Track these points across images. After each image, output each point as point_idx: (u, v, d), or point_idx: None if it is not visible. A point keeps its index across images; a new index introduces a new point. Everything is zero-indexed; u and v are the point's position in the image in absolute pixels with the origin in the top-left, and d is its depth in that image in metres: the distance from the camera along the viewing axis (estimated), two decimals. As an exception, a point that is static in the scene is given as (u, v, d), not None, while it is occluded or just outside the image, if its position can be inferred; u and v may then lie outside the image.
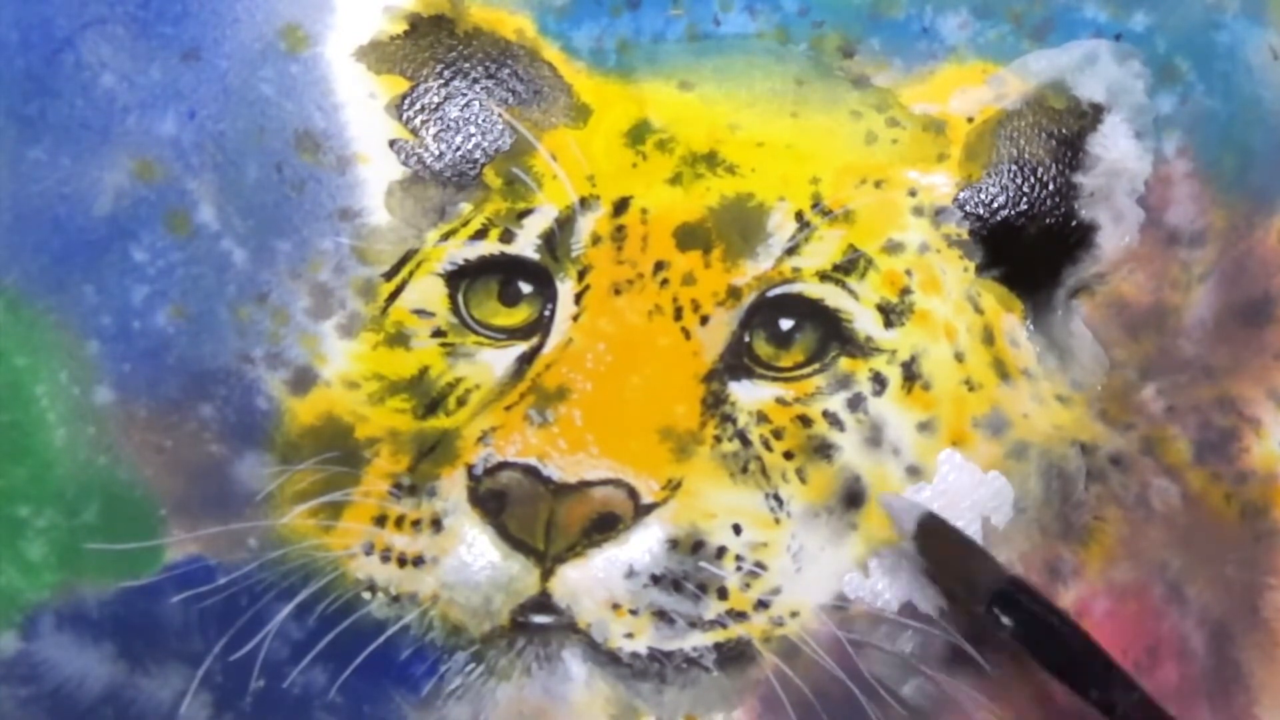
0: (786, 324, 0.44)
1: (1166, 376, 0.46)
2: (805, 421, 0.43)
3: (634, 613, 0.42)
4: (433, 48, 0.44)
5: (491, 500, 0.42)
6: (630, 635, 0.43)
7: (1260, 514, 0.46)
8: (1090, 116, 0.45)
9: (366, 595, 0.43)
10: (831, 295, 0.44)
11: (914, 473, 0.44)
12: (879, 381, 0.44)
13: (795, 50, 0.44)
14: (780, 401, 0.43)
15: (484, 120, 0.44)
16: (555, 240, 0.43)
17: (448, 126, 0.44)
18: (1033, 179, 0.45)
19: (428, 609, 0.43)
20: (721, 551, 0.43)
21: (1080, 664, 0.40)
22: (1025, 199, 0.45)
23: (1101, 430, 0.45)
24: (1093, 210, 0.45)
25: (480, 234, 0.43)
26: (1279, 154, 0.46)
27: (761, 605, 0.43)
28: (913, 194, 0.44)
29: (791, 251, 0.43)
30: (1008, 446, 0.44)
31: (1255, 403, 0.46)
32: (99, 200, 0.43)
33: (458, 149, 0.44)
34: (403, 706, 0.43)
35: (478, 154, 0.44)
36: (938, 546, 0.42)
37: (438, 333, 0.43)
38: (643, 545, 0.42)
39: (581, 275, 0.43)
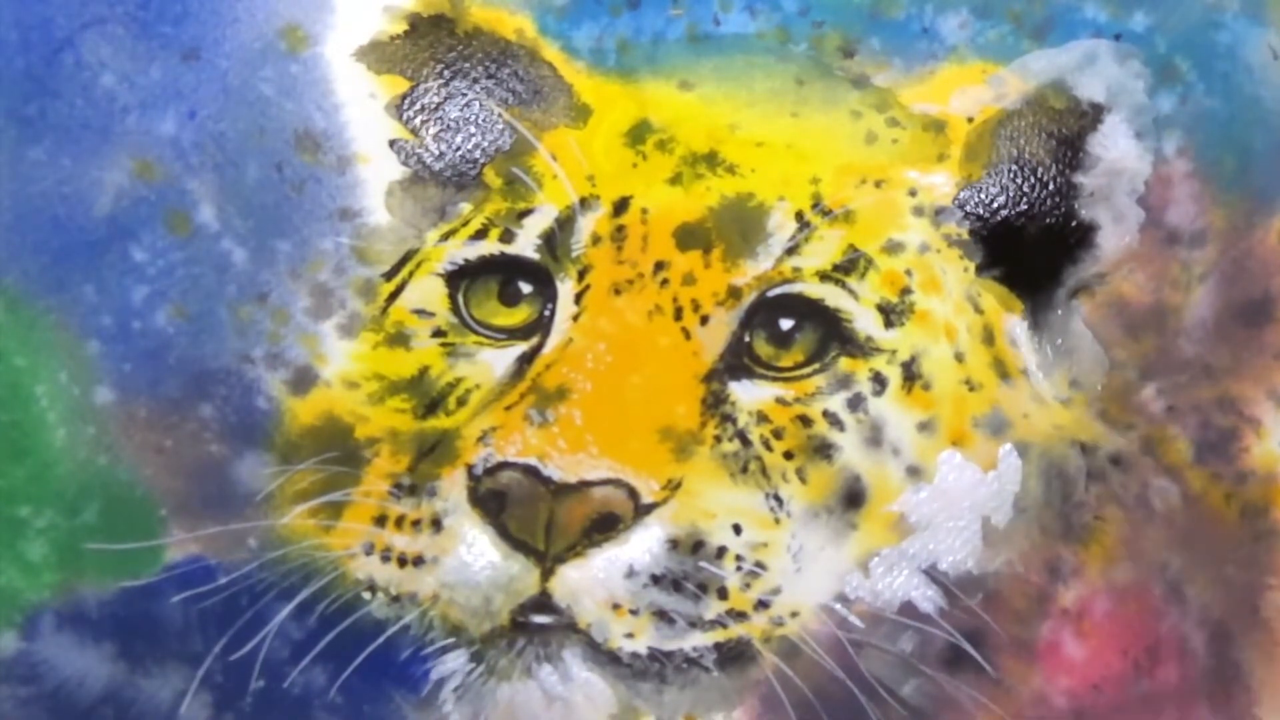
0: (787, 324, 0.44)
1: (1166, 376, 0.46)
2: (805, 421, 0.43)
3: (634, 613, 0.42)
4: (433, 48, 0.44)
5: (491, 500, 0.42)
6: (630, 635, 0.43)
7: (1260, 514, 0.46)
8: (1090, 116, 0.45)
9: (366, 595, 0.43)
10: (832, 295, 0.44)
11: (914, 473, 0.44)
12: (879, 381, 0.44)
13: (795, 50, 0.44)
14: (780, 401, 0.43)
15: (484, 120, 0.44)
16: (555, 240, 0.43)
17: (448, 126, 0.44)
18: (1033, 179, 0.45)
19: (428, 609, 0.43)
20: (721, 551, 0.43)
21: None
22: (1025, 199, 0.45)
23: (1101, 430, 0.45)
24: (1093, 210, 0.45)
25: (480, 234, 0.43)
26: (1279, 154, 0.46)
27: (761, 605, 0.43)
28: (913, 194, 0.44)
29: (791, 251, 0.43)
30: (1008, 446, 0.44)
31: (1255, 403, 0.46)
32: (99, 200, 0.43)
33: (458, 149, 0.44)
34: (403, 706, 0.43)
35: (478, 154, 0.44)
36: None
37: (438, 333, 0.43)
38: (643, 545, 0.42)
39: (581, 275, 0.43)
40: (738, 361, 0.43)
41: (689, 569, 0.42)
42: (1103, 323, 0.45)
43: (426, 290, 0.44)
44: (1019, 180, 0.45)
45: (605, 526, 0.42)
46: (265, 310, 0.43)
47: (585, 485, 0.42)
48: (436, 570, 0.43)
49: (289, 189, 0.43)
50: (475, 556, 0.42)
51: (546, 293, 0.43)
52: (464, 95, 0.44)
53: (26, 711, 0.43)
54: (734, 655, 0.43)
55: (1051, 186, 0.45)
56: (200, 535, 0.43)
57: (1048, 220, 0.45)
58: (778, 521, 0.43)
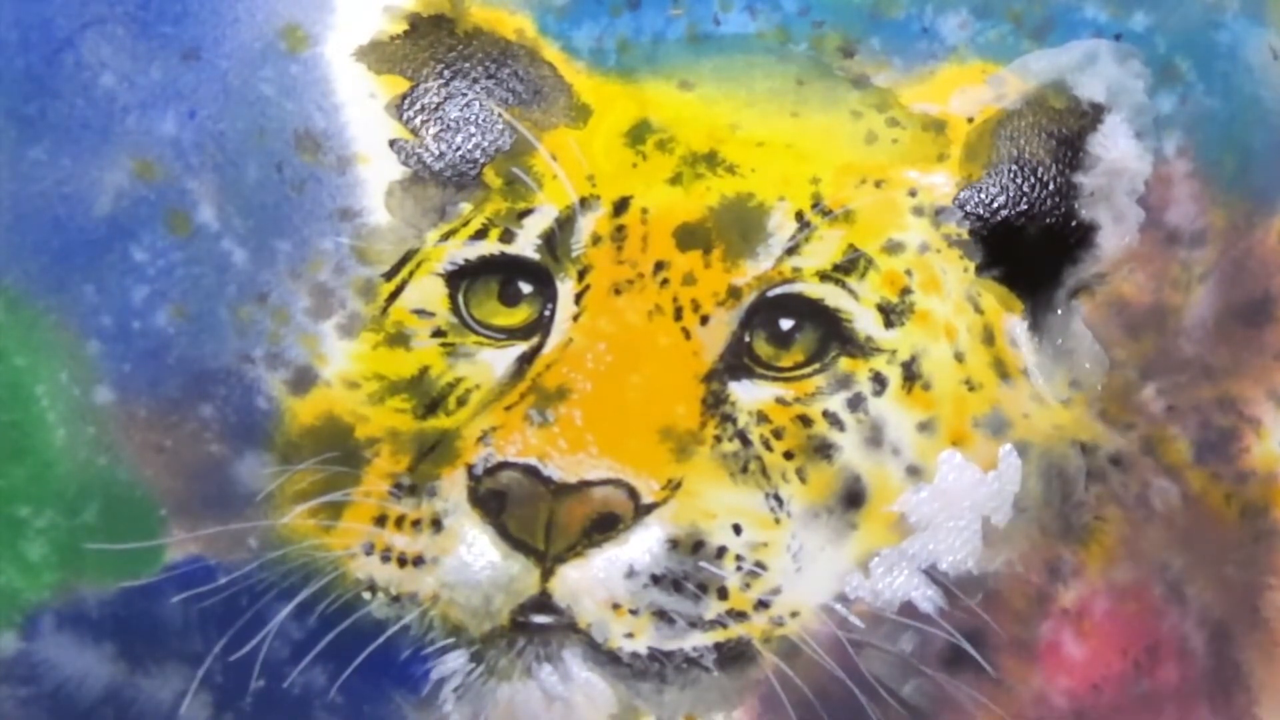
0: (787, 324, 0.44)
1: (1166, 376, 0.46)
2: (805, 421, 0.43)
3: (634, 613, 0.42)
4: (433, 48, 0.44)
5: (492, 500, 0.42)
6: (630, 635, 0.43)
7: (1260, 514, 0.46)
8: (1090, 116, 0.45)
9: (366, 595, 0.43)
10: (831, 295, 0.44)
11: (914, 473, 0.44)
12: (879, 381, 0.44)
13: (795, 50, 0.44)
14: (780, 401, 0.43)
15: (484, 120, 0.44)
16: (555, 240, 0.43)
17: (448, 126, 0.44)
18: (1033, 179, 0.45)
19: (428, 609, 0.43)
20: (721, 551, 0.43)
21: None
22: (1025, 199, 0.45)
23: (1101, 430, 0.45)
24: (1093, 210, 0.45)
25: (480, 234, 0.43)
26: (1279, 154, 0.46)
27: (762, 605, 0.43)
28: (913, 194, 0.44)
29: (792, 251, 0.43)
30: (1008, 447, 0.44)
31: (1255, 403, 0.46)
32: (99, 200, 0.43)
33: (458, 149, 0.44)
34: (403, 706, 0.43)
35: (478, 154, 0.44)
36: None
37: (438, 333, 0.43)
38: (643, 545, 0.42)
39: (582, 275, 0.43)
40: (738, 361, 0.43)
41: (689, 569, 0.42)
42: (1103, 323, 0.45)
43: (426, 290, 0.44)
44: (1019, 180, 0.45)
45: (605, 526, 0.42)
46: (265, 310, 0.43)
47: (585, 485, 0.42)
48: (436, 570, 0.43)
49: (289, 189, 0.43)
50: (475, 556, 0.42)
51: (546, 293, 0.43)
52: (464, 95, 0.44)
53: (26, 711, 0.43)
54: (734, 655, 0.43)
55: (1051, 186, 0.45)
56: (200, 535, 0.43)
57: (1048, 220, 0.45)
58: (778, 521, 0.43)
